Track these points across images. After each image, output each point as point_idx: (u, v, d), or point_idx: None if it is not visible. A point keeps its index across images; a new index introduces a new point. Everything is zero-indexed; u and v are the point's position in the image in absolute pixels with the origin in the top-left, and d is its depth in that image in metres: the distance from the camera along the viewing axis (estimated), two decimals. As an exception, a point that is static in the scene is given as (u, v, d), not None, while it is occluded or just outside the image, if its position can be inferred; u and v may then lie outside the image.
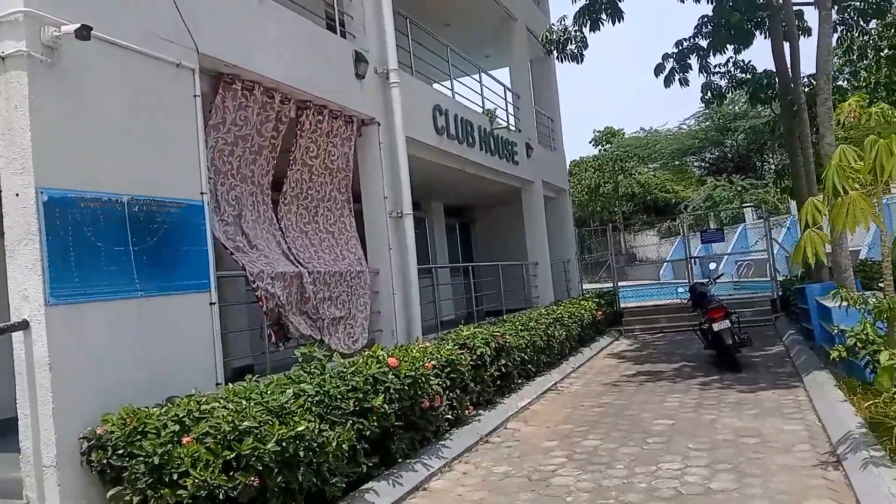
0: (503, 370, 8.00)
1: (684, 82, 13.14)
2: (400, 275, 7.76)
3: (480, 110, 11.54)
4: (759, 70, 14.30)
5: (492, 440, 6.59)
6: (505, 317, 10.20)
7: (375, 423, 5.12)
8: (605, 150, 44.79)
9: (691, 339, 12.65)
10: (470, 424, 6.72)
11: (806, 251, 4.87)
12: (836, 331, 6.79)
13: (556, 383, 9.36)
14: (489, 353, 7.63)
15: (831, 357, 6.71)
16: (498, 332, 8.26)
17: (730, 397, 7.53)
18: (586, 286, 21.88)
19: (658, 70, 13.32)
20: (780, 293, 13.24)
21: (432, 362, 6.15)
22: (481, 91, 11.80)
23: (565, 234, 15.86)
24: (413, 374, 5.66)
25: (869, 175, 4.40)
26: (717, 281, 10.61)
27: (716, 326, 9.05)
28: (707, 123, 39.07)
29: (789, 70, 11.55)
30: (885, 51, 12.44)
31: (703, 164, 42.11)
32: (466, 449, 6.17)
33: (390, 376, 5.41)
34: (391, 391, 5.33)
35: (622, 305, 15.66)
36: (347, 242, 7.36)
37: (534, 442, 6.40)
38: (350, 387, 5.12)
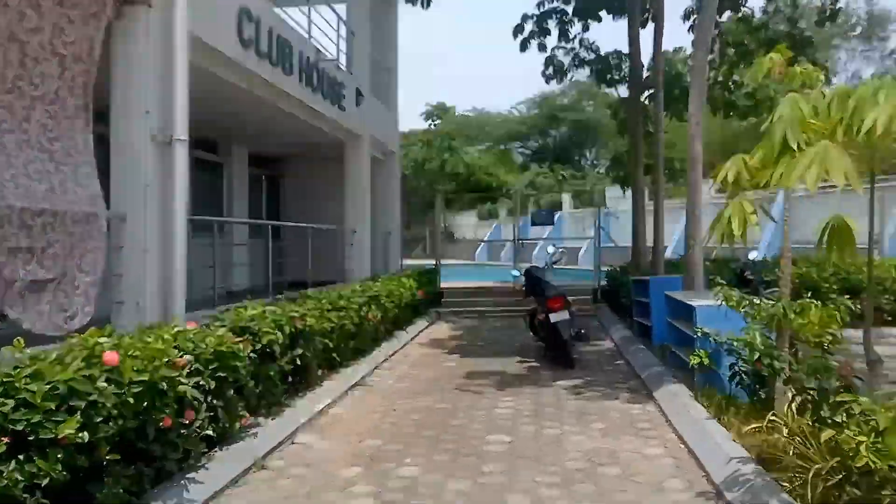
0: (299, 362, 6.12)
1: (542, 48, 12.02)
2: (159, 225, 5.49)
3: (305, 36, 9.36)
4: (604, 52, 13.69)
5: (270, 465, 4.69)
6: (310, 291, 8.26)
7: (61, 466, 3.01)
8: (435, 125, 43.94)
9: (515, 327, 11.66)
10: (241, 442, 4.77)
11: (731, 222, 3.59)
12: (698, 334, 5.81)
13: (365, 376, 7.67)
14: (281, 340, 5.69)
15: (691, 364, 5.73)
16: (297, 312, 6.33)
17: (570, 404, 6.34)
18: (405, 262, 20.54)
19: (517, 31, 12.10)
20: (605, 283, 12.72)
21: (187, 357, 4.10)
22: (308, 13, 9.61)
23: (391, 202, 14.19)
24: (148, 376, 3.59)
25: (834, 133, 3.16)
26: (555, 266, 9.61)
27: (554, 317, 7.93)
28: (536, 112, 39.66)
29: (652, 50, 10.84)
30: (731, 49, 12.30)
31: (526, 152, 42.89)
32: (228, 484, 4.21)
33: (102, 382, 3.31)
34: (101, 408, 3.24)
35: (443, 286, 14.41)
36: (77, 170, 4.95)
37: (329, 468, 4.63)
38: (13, 405, 2.96)
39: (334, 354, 7.39)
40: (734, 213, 3.64)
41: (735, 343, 5.07)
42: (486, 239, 32.81)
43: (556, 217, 25.54)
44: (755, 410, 4.99)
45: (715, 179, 4.07)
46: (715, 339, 5.72)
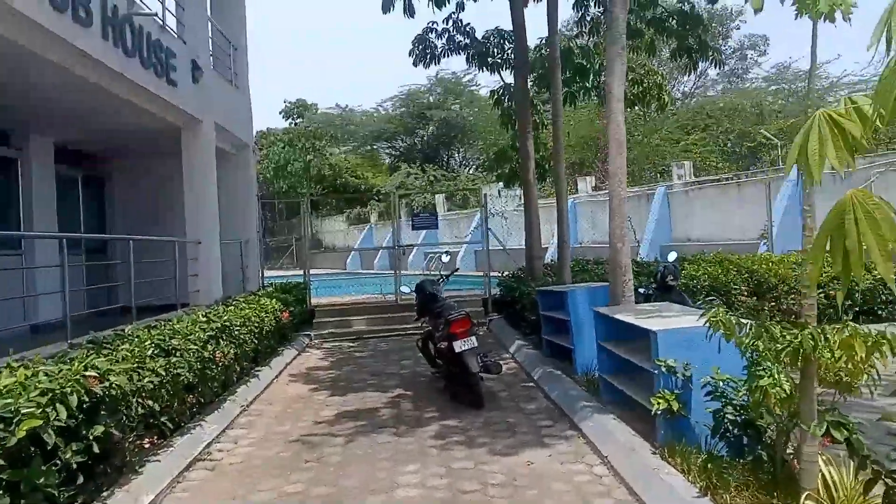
0: (97, 449, 4.02)
1: (409, 11, 10.33)
2: None
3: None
4: (484, 33, 12.29)
5: None
6: (130, 328, 6.04)
7: None
8: (296, 123, 41.24)
9: (399, 350, 9.95)
10: None
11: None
12: (661, 368, 4.40)
13: (212, 443, 5.62)
14: (57, 421, 3.61)
15: (654, 410, 4.31)
16: (99, 367, 4.23)
17: (493, 467, 4.73)
18: (266, 274, 18.15)
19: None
20: (499, 293, 11.32)
21: None
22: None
23: (246, 205, 11.95)
24: None
25: None
26: (451, 278, 8.02)
27: (458, 346, 6.29)
28: (403, 109, 38.19)
29: (545, 27, 9.51)
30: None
31: (393, 153, 41.32)
32: None
33: None
34: None
35: (314, 302, 12.39)
36: None
37: None
38: None
39: (164, 419, 5.29)
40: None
41: (733, 387, 3.69)
42: (357, 246, 30.75)
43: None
44: (758, 480, 3.63)
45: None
46: (684, 376, 4.35)
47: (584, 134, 26.04)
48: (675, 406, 4.28)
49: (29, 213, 9.04)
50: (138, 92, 7.56)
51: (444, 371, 7.01)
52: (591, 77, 11.17)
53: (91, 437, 3.98)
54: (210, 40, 10.44)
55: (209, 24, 10.28)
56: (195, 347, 6.09)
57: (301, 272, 12.67)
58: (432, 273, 19.89)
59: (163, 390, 5.27)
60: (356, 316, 11.90)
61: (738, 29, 32.75)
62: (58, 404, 3.80)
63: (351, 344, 10.80)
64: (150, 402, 5.09)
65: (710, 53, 11.57)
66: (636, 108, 13.20)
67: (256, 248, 12.11)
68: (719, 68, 14.89)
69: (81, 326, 6.88)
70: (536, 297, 8.13)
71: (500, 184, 25.76)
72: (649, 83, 12.44)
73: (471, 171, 37.00)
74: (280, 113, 43.06)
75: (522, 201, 24.63)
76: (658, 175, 24.29)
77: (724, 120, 27.51)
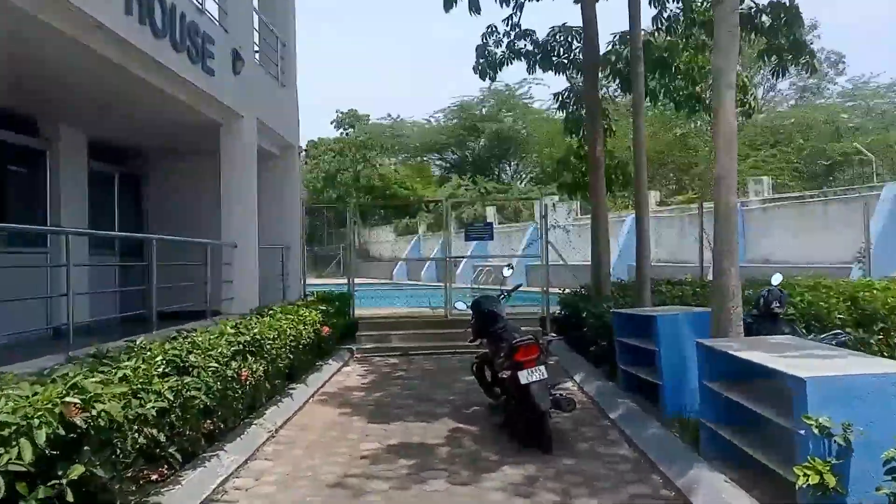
0: (71, 497, 3.15)
1: (474, 8, 9.44)
2: None
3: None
4: (547, 32, 11.28)
5: None
6: (143, 341, 5.22)
7: None
8: (347, 133, 40.97)
9: (448, 369, 8.98)
10: None
11: None
12: (812, 427, 3.29)
13: (227, 478, 4.74)
14: (16, 464, 2.77)
15: (800, 483, 3.20)
16: (78, 396, 3.38)
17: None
18: (310, 282, 17.45)
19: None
20: (560, 312, 10.21)
21: None
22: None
23: (290, 209, 11.21)
24: None
25: None
26: (513, 294, 7.01)
27: (525, 377, 5.26)
28: (455, 121, 37.45)
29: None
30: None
31: (444, 164, 40.59)
32: None
33: None
34: None
35: (357, 313, 11.53)
36: None
37: None
38: None
39: (172, 449, 4.42)
40: None
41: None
42: (405, 256, 30.00)
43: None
44: None
45: None
46: (844, 441, 3.23)
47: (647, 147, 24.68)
48: (830, 481, 3.16)
49: (57, 209, 8.44)
50: (170, 78, 6.85)
51: (505, 404, 5.99)
52: (673, 74, 10.05)
53: (65, 481, 3.12)
54: (256, 33, 9.76)
55: (255, 15, 9.60)
56: (216, 365, 5.23)
57: (345, 280, 11.83)
58: (482, 287, 18.86)
59: (172, 416, 4.42)
60: (402, 330, 10.96)
61: (812, 44, 30.86)
62: (22, 440, 2.96)
63: (396, 361, 9.86)
64: (154, 432, 4.24)
65: (805, 56, 10.27)
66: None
67: (299, 255, 11.34)
68: (810, 74, 13.41)
69: (106, 333, 6.17)
70: (611, 321, 7.03)
71: (556, 197, 24.80)
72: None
73: (523, 185, 35.93)
74: (331, 122, 42.93)
75: (577, 214, 23.48)
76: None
77: (797, 136, 25.77)
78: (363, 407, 7.03)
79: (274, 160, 11.03)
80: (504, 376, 5.43)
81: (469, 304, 6.72)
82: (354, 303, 11.49)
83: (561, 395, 5.57)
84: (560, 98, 11.29)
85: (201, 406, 4.87)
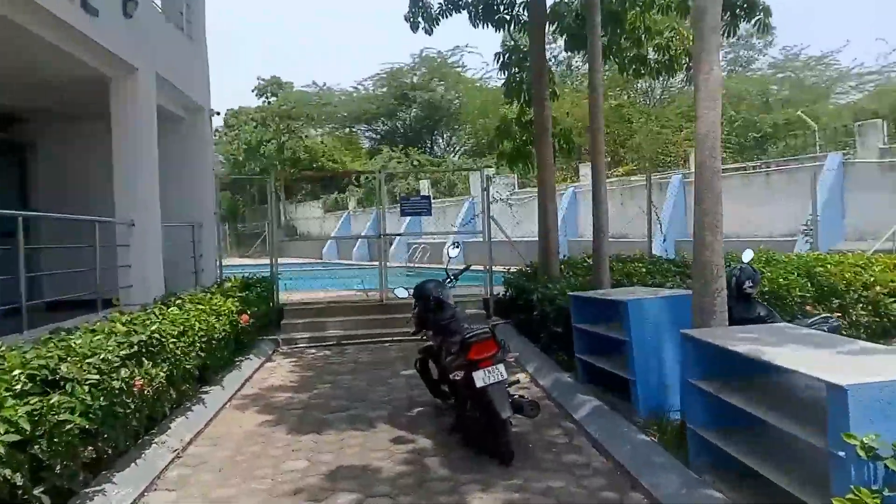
0: None
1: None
2: None
3: None
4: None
5: None
6: (13, 341, 4.07)
7: None
8: (269, 102, 38.83)
9: (388, 361, 8.09)
10: None
11: None
12: (855, 449, 2.60)
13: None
14: None
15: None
16: None
17: None
18: (232, 263, 16.06)
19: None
20: (506, 293, 9.43)
21: None
22: None
23: (199, 181, 9.90)
24: None
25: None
26: (459, 277, 6.13)
27: (481, 378, 4.41)
28: (384, 89, 35.98)
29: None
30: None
31: (374, 136, 39.13)
32: None
33: None
34: None
35: (283, 298, 10.43)
36: None
37: None
38: None
39: (37, 491, 3.39)
40: None
41: None
42: (335, 234, 28.66)
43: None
44: None
45: None
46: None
47: (583, 116, 24.23)
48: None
49: None
50: (40, 17, 5.52)
51: (456, 406, 5.15)
52: (622, 31, 9.32)
53: None
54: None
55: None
56: (97, 377, 4.14)
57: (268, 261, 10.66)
58: (418, 267, 17.85)
59: (36, 447, 3.37)
60: (333, 317, 9.95)
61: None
62: None
63: (327, 353, 8.87)
64: (8, 472, 3.20)
65: (758, 13, 9.74)
66: (662, 77, 11.33)
67: (214, 233, 10.09)
68: (763, 34, 12.93)
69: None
70: (568, 305, 6.28)
71: (493, 170, 24.04)
72: (678, 49, 10.61)
73: (457, 157, 35.02)
74: (253, 91, 40.55)
75: (515, 188, 22.80)
76: (666, 163, 22.58)
77: (728, 107, 25.88)
78: (289, 412, 6.05)
79: (180, 124, 9.70)
80: (457, 378, 4.56)
81: (411, 290, 5.79)
82: (279, 287, 10.37)
83: (522, 397, 4.77)
84: (501, 59, 10.37)
85: (77, 431, 3.81)
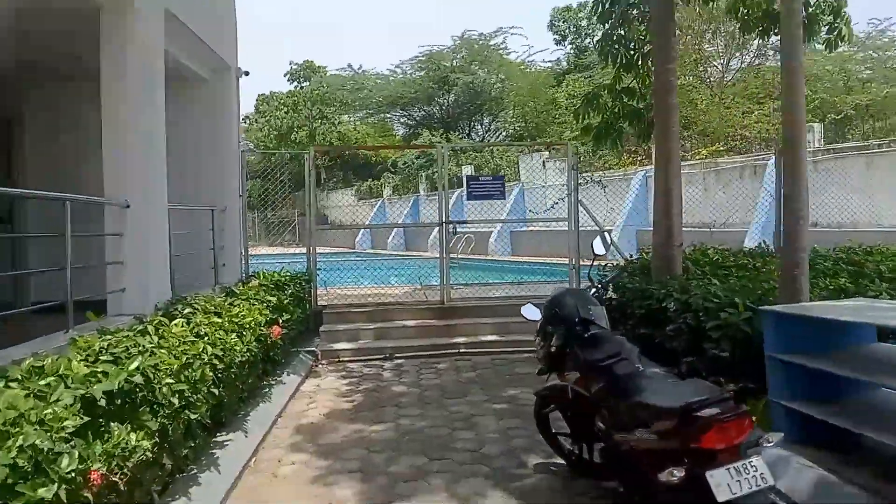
0: None
1: None
2: None
3: None
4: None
5: None
6: None
7: None
8: (302, 87, 37.11)
9: (463, 384, 6.13)
10: None
11: None
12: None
13: None
14: None
15: None
16: None
17: None
18: (261, 253, 14.21)
19: None
20: (613, 298, 7.33)
21: None
22: None
23: (224, 156, 8.02)
24: None
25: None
26: (609, 287, 4.13)
27: (725, 489, 2.41)
28: (422, 73, 33.89)
29: None
30: None
31: (409, 122, 37.12)
32: None
33: None
34: None
35: (320, 300, 8.55)
36: None
37: None
38: None
39: None
40: None
41: None
42: (389, 221, 26.86)
43: (455, 195, 19.79)
44: None
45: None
46: None
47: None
48: None
49: None
50: None
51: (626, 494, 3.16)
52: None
53: None
54: None
55: None
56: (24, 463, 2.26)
57: (304, 250, 8.75)
58: (461, 259, 15.78)
59: None
60: (384, 322, 8.05)
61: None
62: None
63: (379, 371, 6.95)
64: None
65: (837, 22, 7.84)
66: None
67: (240, 218, 8.22)
68: (836, 46, 10.60)
69: None
70: (763, 325, 4.19)
71: (547, 153, 21.89)
72: (820, 4, 8.41)
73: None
74: (285, 75, 38.89)
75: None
76: (760, 144, 20.20)
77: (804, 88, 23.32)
78: (340, 475, 4.12)
79: (200, 86, 7.83)
80: (672, 481, 2.54)
81: (544, 306, 3.69)
82: (315, 285, 8.49)
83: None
84: (601, 7, 8.26)
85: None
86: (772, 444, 2.44)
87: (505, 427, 4.89)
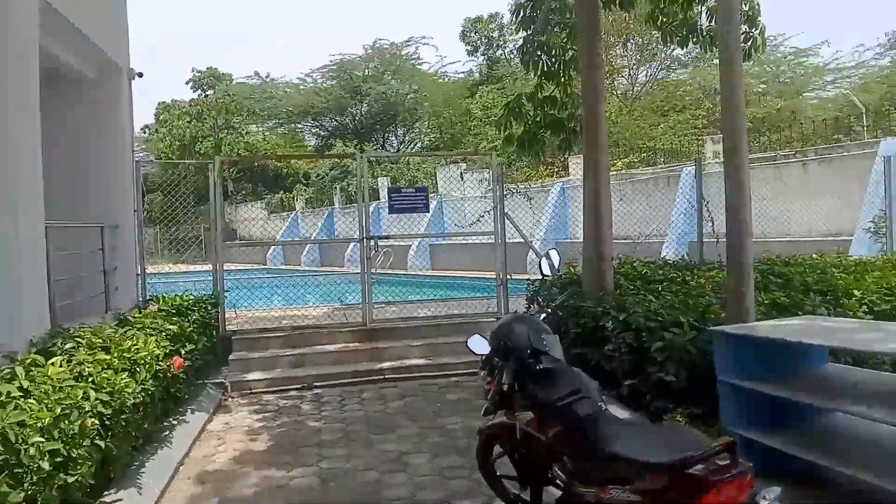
0: None
1: None
2: None
3: None
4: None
5: None
6: None
7: None
8: (206, 95, 35.43)
9: (390, 415, 5.64)
10: None
11: None
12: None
13: None
14: None
15: None
16: None
17: None
18: (162, 271, 13.11)
19: None
20: (547, 312, 7.00)
21: None
22: None
23: (117, 168, 7.17)
24: None
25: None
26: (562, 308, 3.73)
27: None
28: (333, 82, 33.10)
29: None
30: None
31: (321, 132, 36.20)
32: None
33: None
34: None
35: (229, 325, 7.82)
36: None
37: None
38: None
39: None
40: None
41: None
42: (314, 237, 25.73)
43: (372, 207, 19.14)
44: None
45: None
46: None
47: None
48: None
49: None
50: None
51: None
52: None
53: None
54: None
55: None
56: None
57: (210, 267, 7.98)
58: (380, 274, 15.26)
59: None
60: (301, 348, 7.42)
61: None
62: None
63: (297, 403, 6.33)
64: None
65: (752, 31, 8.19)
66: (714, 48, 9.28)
67: (135, 237, 7.37)
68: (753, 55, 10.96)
69: None
70: (714, 347, 3.96)
71: (464, 165, 21.69)
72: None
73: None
74: (187, 83, 37.00)
75: (489, 185, 20.53)
76: (671, 154, 20.77)
77: (705, 101, 24.39)
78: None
79: (87, 89, 6.97)
80: None
81: (490, 336, 3.20)
82: (223, 309, 7.76)
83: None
84: (522, 12, 8.04)
85: None
86: (768, 502, 2.13)
87: (440, 467, 4.43)
